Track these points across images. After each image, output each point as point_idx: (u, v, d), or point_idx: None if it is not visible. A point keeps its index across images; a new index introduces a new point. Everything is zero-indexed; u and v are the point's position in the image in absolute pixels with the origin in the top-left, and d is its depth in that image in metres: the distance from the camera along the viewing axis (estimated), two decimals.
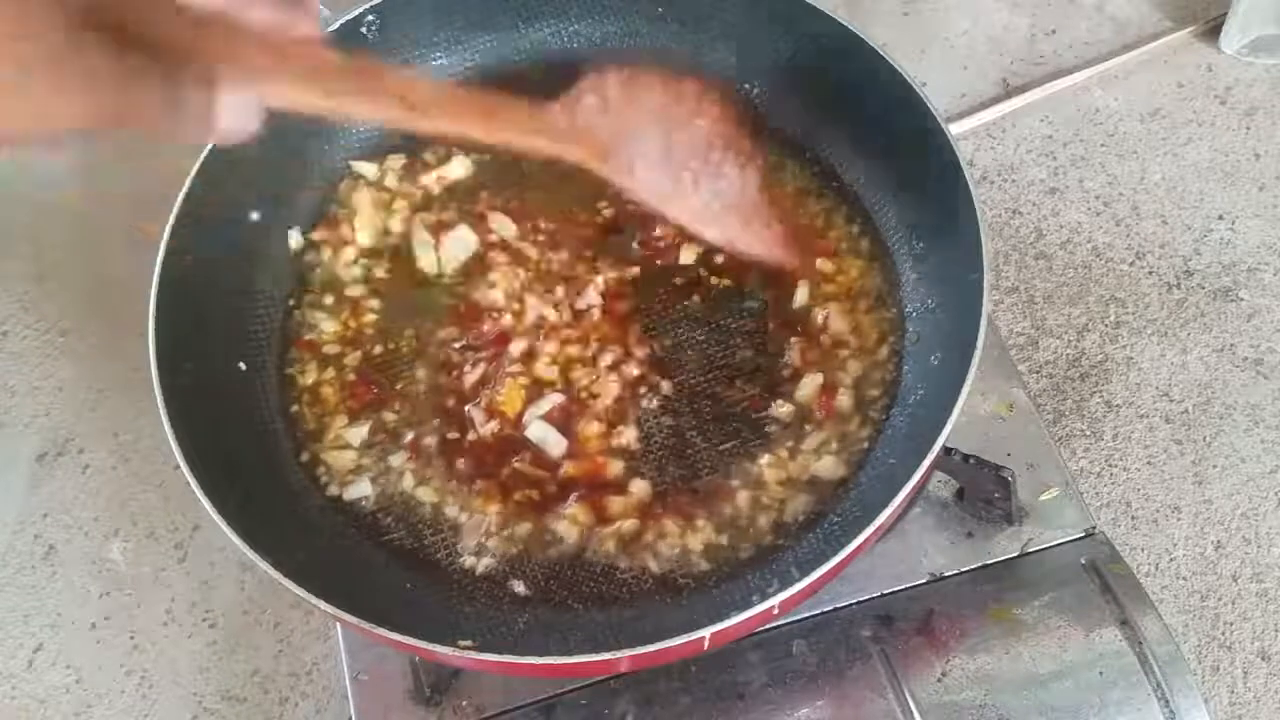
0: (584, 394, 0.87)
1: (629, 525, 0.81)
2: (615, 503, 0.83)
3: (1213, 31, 1.59)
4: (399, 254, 0.94)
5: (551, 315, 0.90)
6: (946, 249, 0.86)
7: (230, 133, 0.51)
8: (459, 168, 0.97)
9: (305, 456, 0.86)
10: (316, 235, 0.94)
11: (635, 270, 0.92)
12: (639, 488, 0.83)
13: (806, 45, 0.94)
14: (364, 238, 0.94)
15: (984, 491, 0.89)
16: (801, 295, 0.90)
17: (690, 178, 0.76)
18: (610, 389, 0.87)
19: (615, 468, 0.84)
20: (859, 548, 0.70)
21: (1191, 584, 1.22)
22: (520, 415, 0.86)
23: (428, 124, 0.62)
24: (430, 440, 0.86)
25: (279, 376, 0.89)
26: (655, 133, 0.75)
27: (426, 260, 0.93)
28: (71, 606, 1.25)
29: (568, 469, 0.84)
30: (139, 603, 1.24)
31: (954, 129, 1.33)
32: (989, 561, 0.89)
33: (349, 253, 0.94)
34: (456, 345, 0.89)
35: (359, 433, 0.86)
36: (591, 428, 0.85)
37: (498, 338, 0.89)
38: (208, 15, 0.50)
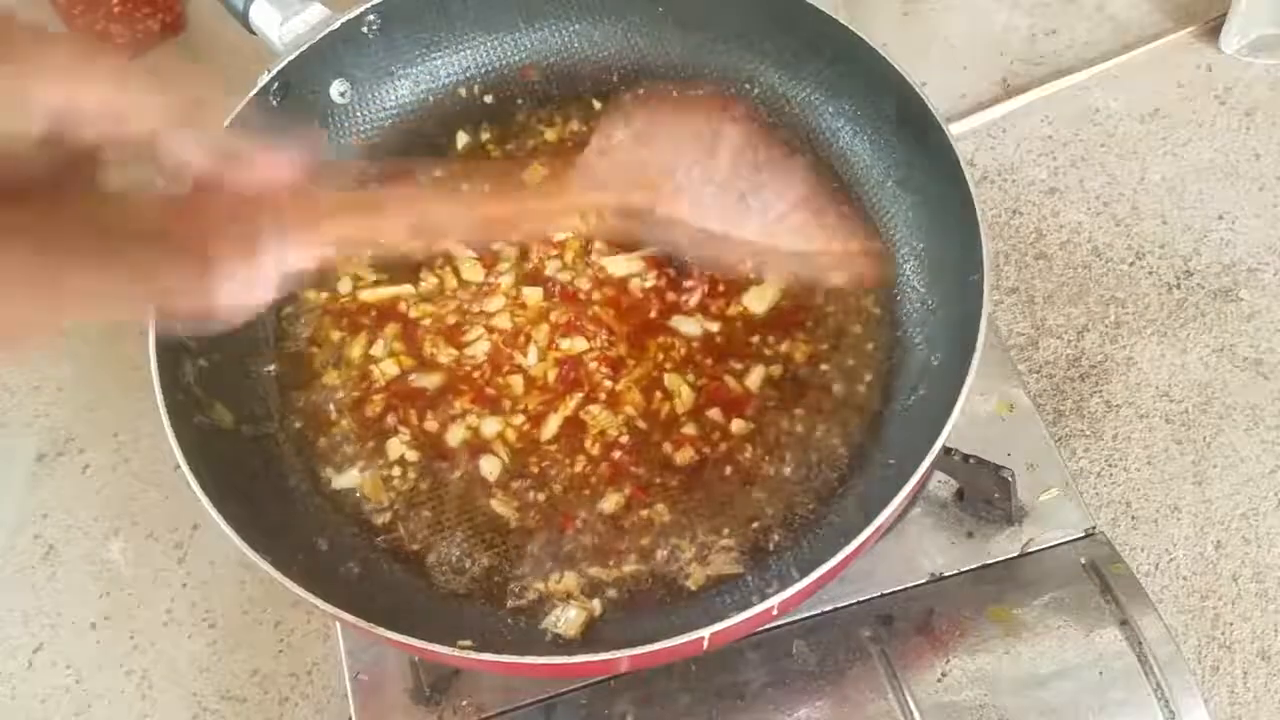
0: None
1: (628, 524, 0.81)
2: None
3: (1213, 31, 1.59)
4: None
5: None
6: (946, 249, 0.86)
7: (234, 309, 0.47)
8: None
9: (305, 455, 0.86)
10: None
11: None
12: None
13: (806, 45, 0.94)
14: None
15: (984, 491, 0.89)
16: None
17: (745, 189, 0.71)
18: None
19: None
20: (859, 548, 0.70)
21: (1191, 584, 1.21)
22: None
23: (452, 240, 0.60)
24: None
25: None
26: (696, 153, 0.71)
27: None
28: (71, 606, 1.25)
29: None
30: (139, 603, 1.24)
31: (954, 129, 1.33)
32: (989, 561, 0.89)
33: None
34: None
35: (358, 432, 0.86)
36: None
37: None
38: (191, 189, 0.47)
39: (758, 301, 0.89)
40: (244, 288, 0.46)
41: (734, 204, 0.70)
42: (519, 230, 0.63)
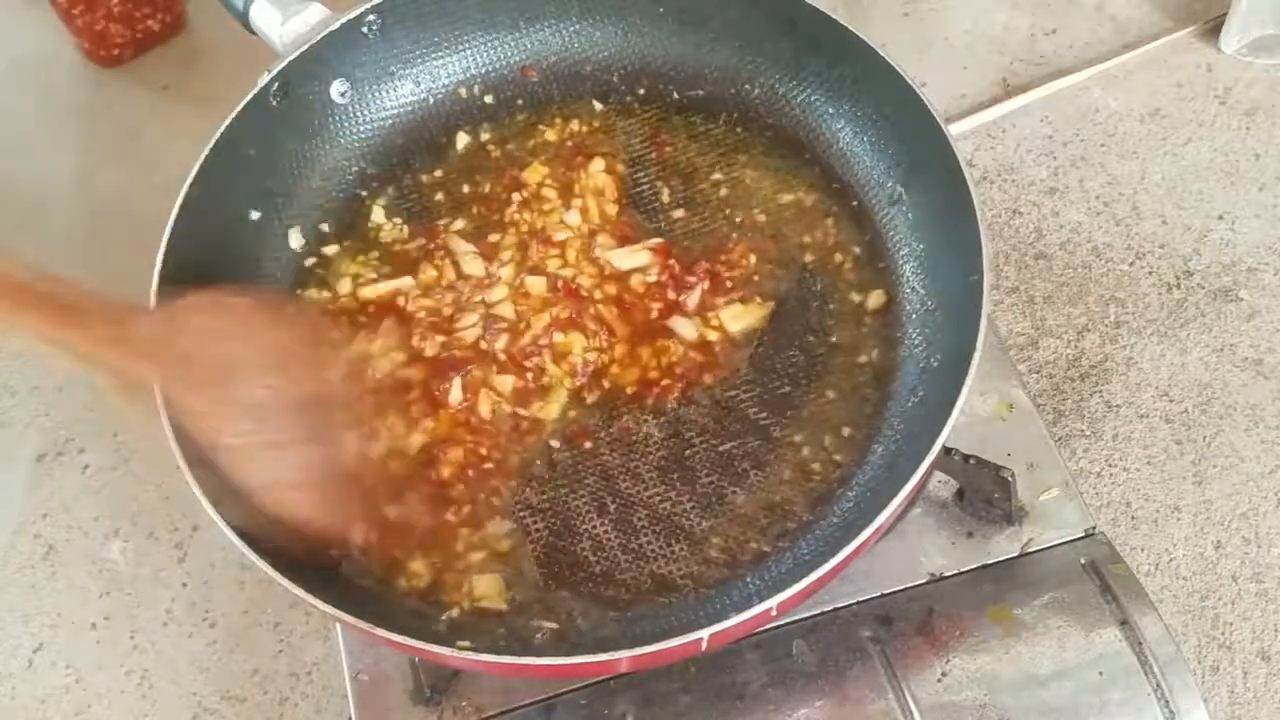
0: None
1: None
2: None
3: (1213, 31, 1.59)
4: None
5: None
6: (946, 249, 0.86)
7: None
8: None
9: None
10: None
11: None
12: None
13: (806, 45, 0.94)
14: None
15: (984, 491, 0.89)
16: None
17: (275, 436, 0.70)
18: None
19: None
20: (859, 548, 0.70)
21: (1191, 584, 1.21)
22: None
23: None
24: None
25: None
26: (258, 376, 0.70)
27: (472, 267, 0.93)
28: (71, 606, 1.25)
29: None
30: (139, 603, 1.24)
31: (954, 129, 1.33)
32: (989, 561, 0.89)
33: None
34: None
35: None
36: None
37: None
38: None
39: (734, 321, 0.89)
40: None
41: (258, 449, 0.70)
42: (58, 331, 0.63)
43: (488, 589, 0.79)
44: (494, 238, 0.93)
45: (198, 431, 0.69)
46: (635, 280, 0.91)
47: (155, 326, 0.69)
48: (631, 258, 0.91)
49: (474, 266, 0.92)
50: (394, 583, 0.79)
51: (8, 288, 0.61)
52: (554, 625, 0.77)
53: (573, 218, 0.94)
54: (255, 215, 0.92)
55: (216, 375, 0.70)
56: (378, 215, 0.96)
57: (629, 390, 0.86)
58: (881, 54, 0.87)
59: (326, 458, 0.75)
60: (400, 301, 0.91)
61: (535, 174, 0.96)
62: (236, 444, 0.70)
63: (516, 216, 0.94)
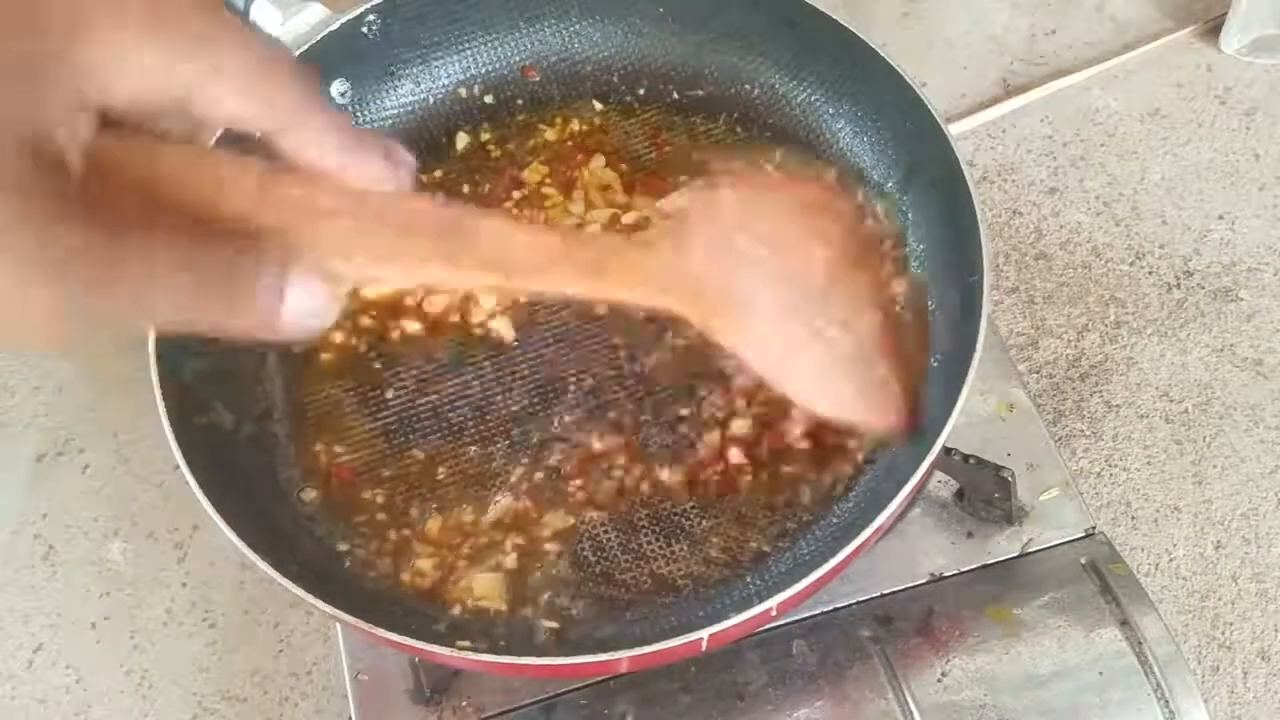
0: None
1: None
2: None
3: (1213, 31, 1.59)
4: None
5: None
6: (946, 250, 0.86)
7: (301, 325, 0.39)
8: None
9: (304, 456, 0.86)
10: None
11: None
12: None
13: (806, 45, 0.94)
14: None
15: (984, 491, 0.89)
16: None
17: (811, 333, 0.60)
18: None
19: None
20: (859, 548, 0.70)
21: (1191, 584, 1.22)
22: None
23: (525, 287, 0.50)
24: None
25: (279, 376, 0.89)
26: (777, 275, 0.59)
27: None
28: (71, 606, 1.25)
29: None
30: (139, 603, 1.24)
31: (954, 129, 1.33)
32: (989, 561, 0.89)
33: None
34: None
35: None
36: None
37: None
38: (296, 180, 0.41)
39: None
40: (311, 300, 0.39)
41: (797, 346, 0.60)
42: (599, 291, 0.51)
43: (488, 589, 0.79)
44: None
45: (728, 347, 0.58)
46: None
47: (673, 246, 0.56)
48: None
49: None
50: (398, 579, 0.79)
51: (560, 266, 0.50)
52: (554, 625, 0.77)
53: (577, 207, 0.94)
54: None
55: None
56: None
57: None
58: (881, 54, 0.87)
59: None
60: (408, 301, 0.90)
61: (535, 173, 0.96)
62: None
63: (516, 213, 0.94)
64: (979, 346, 0.74)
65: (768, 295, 0.59)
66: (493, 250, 0.48)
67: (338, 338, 0.90)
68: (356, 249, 0.43)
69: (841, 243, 0.62)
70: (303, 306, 0.39)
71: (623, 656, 0.68)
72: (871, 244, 0.66)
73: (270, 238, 0.40)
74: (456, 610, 0.78)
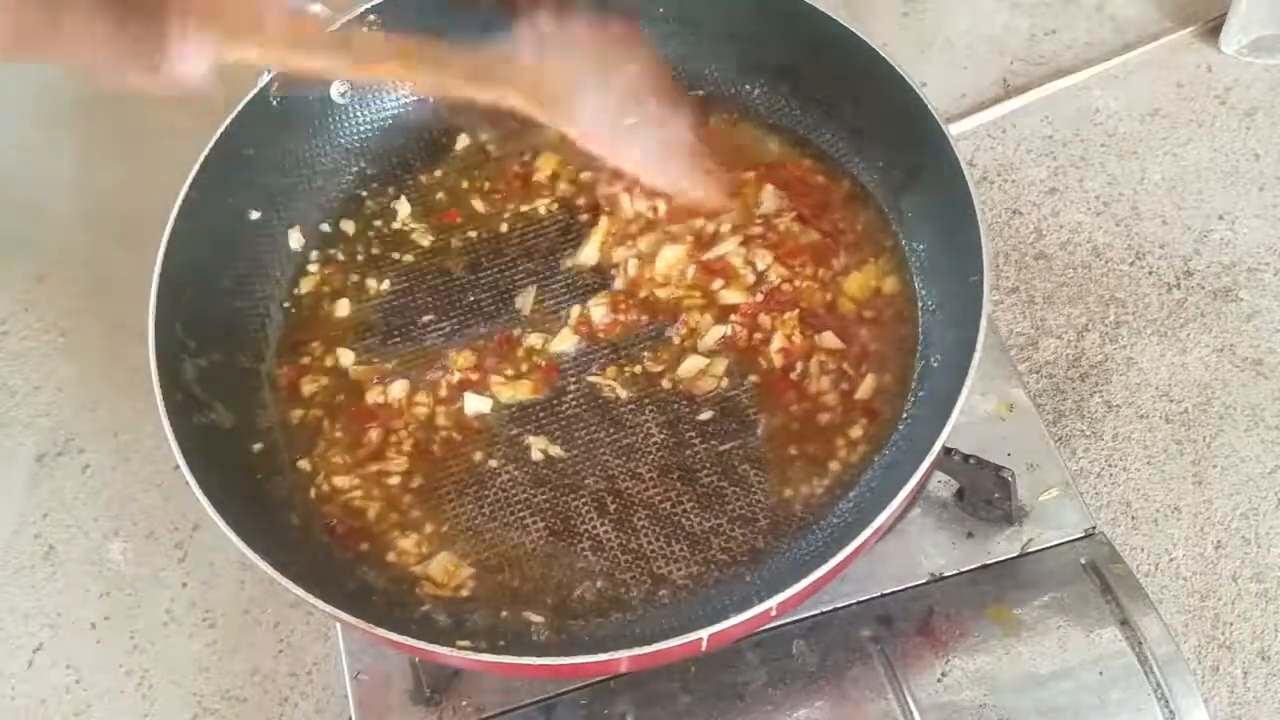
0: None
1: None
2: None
3: (1213, 31, 1.59)
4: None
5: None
6: (947, 249, 0.86)
7: (185, 81, 0.54)
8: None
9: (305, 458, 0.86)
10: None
11: None
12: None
13: (806, 45, 0.94)
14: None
15: (984, 491, 0.89)
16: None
17: (630, 122, 0.80)
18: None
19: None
20: (859, 548, 0.70)
21: (1191, 584, 1.22)
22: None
23: (367, 71, 0.69)
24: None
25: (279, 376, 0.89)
26: (593, 77, 0.79)
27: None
28: (71, 606, 1.25)
29: None
30: (139, 603, 1.24)
31: (954, 129, 1.33)
32: (989, 561, 0.89)
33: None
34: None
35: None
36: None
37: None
38: None
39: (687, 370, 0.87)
40: (194, 63, 0.55)
41: (617, 133, 0.80)
42: (434, 77, 0.77)
43: (437, 570, 0.79)
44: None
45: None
46: None
47: (504, 63, 0.79)
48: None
49: None
50: (383, 558, 0.80)
51: (396, 53, 0.74)
52: (554, 625, 0.77)
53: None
54: (255, 215, 0.92)
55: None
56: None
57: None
58: (881, 54, 0.87)
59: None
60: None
61: (548, 163, 0.97)
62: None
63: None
64: (979, 346, 0.74)
65: (591, 93, 0.78)
66: (336, 41, 0.70)
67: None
68: (243, 32, 0.59)
69: (642, 72, 0.81)
70: (196, 69, 0.54)
71: (622, 656, 0.68)
72: (665, 76, 0.85)
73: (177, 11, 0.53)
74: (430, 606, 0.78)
